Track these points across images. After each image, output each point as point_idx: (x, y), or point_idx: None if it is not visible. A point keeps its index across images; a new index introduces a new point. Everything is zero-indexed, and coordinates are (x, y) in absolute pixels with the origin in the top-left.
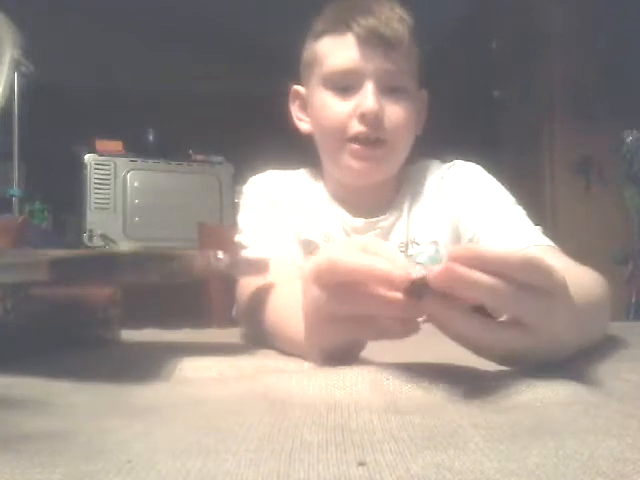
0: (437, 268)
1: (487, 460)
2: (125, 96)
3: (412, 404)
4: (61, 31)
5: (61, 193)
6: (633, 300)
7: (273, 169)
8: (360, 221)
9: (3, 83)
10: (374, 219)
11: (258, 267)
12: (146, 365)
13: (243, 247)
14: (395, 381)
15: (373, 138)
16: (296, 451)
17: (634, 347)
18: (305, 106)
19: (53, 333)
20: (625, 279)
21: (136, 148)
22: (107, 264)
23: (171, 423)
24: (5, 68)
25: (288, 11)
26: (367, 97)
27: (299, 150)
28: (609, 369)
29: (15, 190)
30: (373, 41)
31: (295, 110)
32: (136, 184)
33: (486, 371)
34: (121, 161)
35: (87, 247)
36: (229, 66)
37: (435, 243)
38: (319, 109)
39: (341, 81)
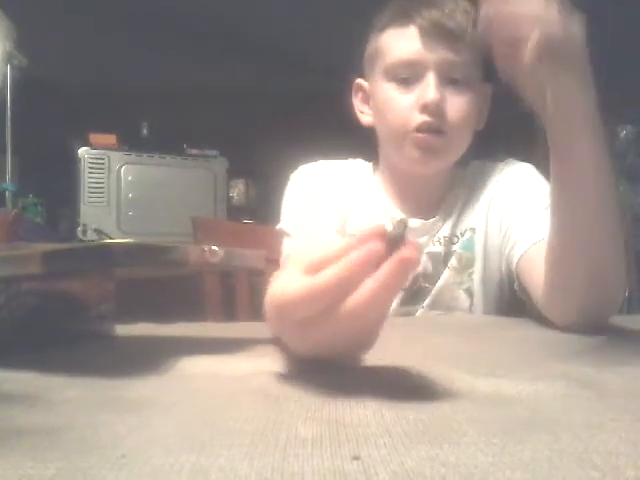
0: None
1: (482, 454)
2: (119, 90)
3: (406, 399)
4: (56, 25)
5: (55, 187)
6: (626, 294)
7: (323, 159)
8: (417, 222)
9: None
10: (430, 221)
11: (253, 260)
12: (141, 360)
13: (285, 234)
14: (390, 378)
15: (435, 127)
16: (290, 445)
17: (628, 340)
18: (367, 99)
19: (47, 328)
20: None
21: (130, 142)
22: (101, 256)
23: (165, 417)
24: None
25: (282, 4)
26: (429, 88)
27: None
28: (603, 362)
29: (8, 184)
30: (436, 33)
31: (357, 103)
32: (130, 178)
33: (480, 366)
34: (115, 155)
35: (81, 241)
36: (224, 60)
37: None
38: (382, 102)
39: (403, 73)
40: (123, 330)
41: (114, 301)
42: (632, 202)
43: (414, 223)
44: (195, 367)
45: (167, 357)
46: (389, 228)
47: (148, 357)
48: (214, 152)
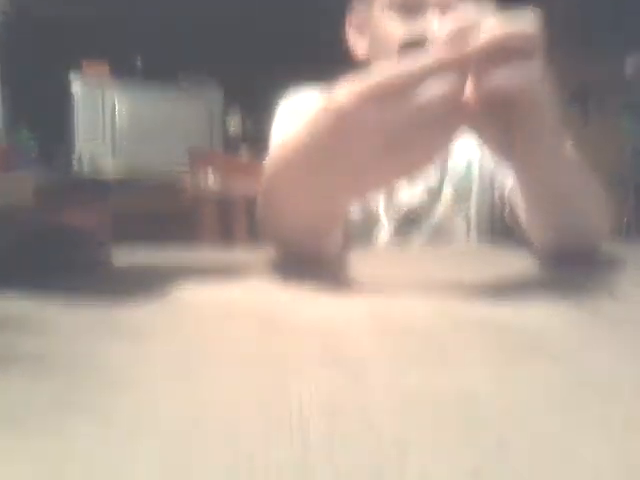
0: None
1: (481, 380)
2: (113, 21)
3: (408, 327)
4: None
5: (49, 122)
6: (625, 220)
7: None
8: None
9: None
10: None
11: (250, 189)
12: (138, 285)
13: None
14: (393, 307)
15: None
16: (291, 371)
17: (626, 265)
18: (363, 27)
19: (45, 256)
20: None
21: (124, 73)
22: (96, 187)
23: (163, 344)
24: None
25: None
26: (433, 20)
27: (293, 75)
28: (601, 287)
29: None
30: None
31: (352, 31)
32: (124, 110)
33: (480, 293)
34: (109, 86)
35: (77, 173)
36: None
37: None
38: (381, 31)
39: (405, 2)
40: (121, 257)
41: (110, 229)
42: (634, 135)
43: None
44: (193, 293)
45: (164, 283)
46: None
47: (145, 283)
48: (210, 81)
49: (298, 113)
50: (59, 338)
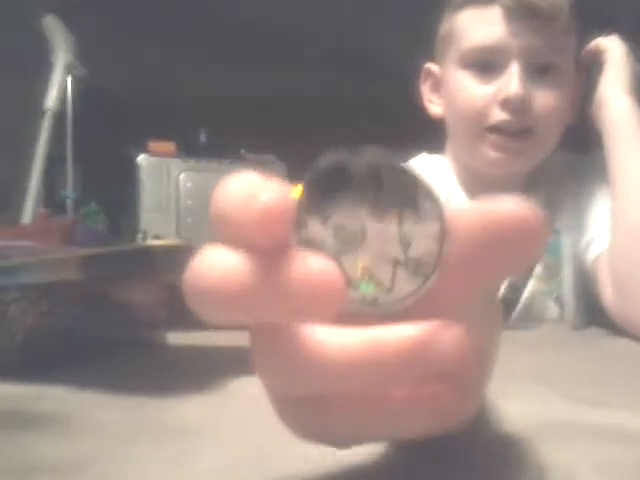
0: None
1: None
2: (177, 99)
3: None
4: (114, 35)
5: (117, 196)
6: None
7: None
8: None
9: (57, 86)
10: None
11: None
12: (191, 374)
13: None
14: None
15: (517, 128)
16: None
17: None
18: (438, 87)
19: (93, 337)
20: None
21: (188, 149)
22: (141, 258)
23: (210, 449)
24: (59, 72)
25: (332, 11)
26: (512, 79)
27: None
28: None
29: (68, 192)
30: (523, 13)
31: (426, 91)
32: (189, 185)
33: (583, 389)
34: (174, 162)
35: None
36: (281, 67)
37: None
38: (455, 92)
39: (482, 60)
40: (175, 339)
41: (167, 308)
42: None
43: None
44: (248, 385)
45: (218, 372)
46: None
47: (197, 371)
48: (272, 157)
49: None
50: (88, 439)
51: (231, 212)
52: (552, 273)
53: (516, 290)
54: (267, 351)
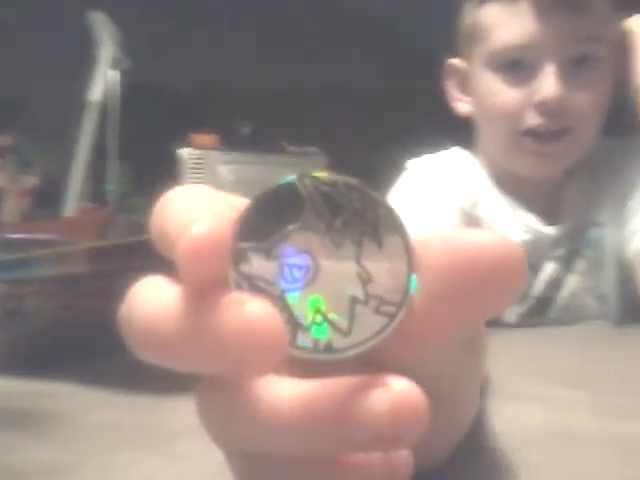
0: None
1: None
2: (220, 91)
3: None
4: (158, 28)
5: (162, 188)
6: None
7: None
8: (551, 229)
9: (100, 79)
10: (575, 228)
11: None
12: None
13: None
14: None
15: (554, 130)
16: None
17: None
18: (465, 85)
19: (107, 332)
20: None
21: (230, 142)
22: (152, 251)
23: (204, 452)
24: (103, 65)
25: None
26: (548, 81)
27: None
28: None
29: (110, 185)
30: (556, 3)
31: (452, 89)
32: (231, 177)
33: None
34: (215, 154)
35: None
36: (322, 58)
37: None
38: (485, 95)
39: (513, 60)
40: None
41: None
42: None
43: (549, 230)
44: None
45: None
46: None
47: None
48: (314, 149)
49: (426, 198)
50: (78, 443)
51: (165, 236)
52: (595, 268)
53: (554, 287)
54: (206, 399)
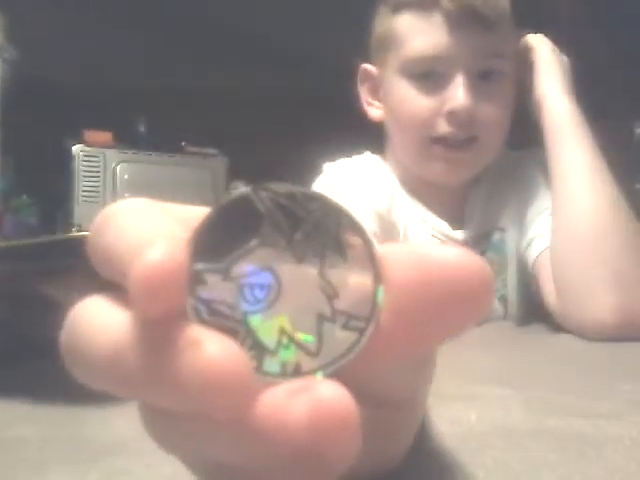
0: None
1: None
2: (115, 87)
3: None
4: (49, 19)
5: (51, 188)
6: None
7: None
8: (459, 233)
9: None
10: (479, 233)
11: None
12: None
13: None
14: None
15: (462, 138)
16: None
17: None
18: (377, 90)
19: (18, 338)
20: None
21: (127, 140)
22: (66, 250)
23: (141, 469)
24: None
25: (280, 5)
26: (457, 92)
27: (299, 144)
28: None
29: None
30: (466, 20)
31: (364, 94)
32: (126, 176)
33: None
34: (111, 152)
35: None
36: (224, 59)
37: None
38: (397, 102)
39: (425, 70)
40: None
41: None
42: None
43: (457, 235)
44: None
45: None
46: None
47: None
48: (214, 151)
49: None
50: (3, 463)
51: (111, 260)
52: (497, 271)
53: None
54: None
